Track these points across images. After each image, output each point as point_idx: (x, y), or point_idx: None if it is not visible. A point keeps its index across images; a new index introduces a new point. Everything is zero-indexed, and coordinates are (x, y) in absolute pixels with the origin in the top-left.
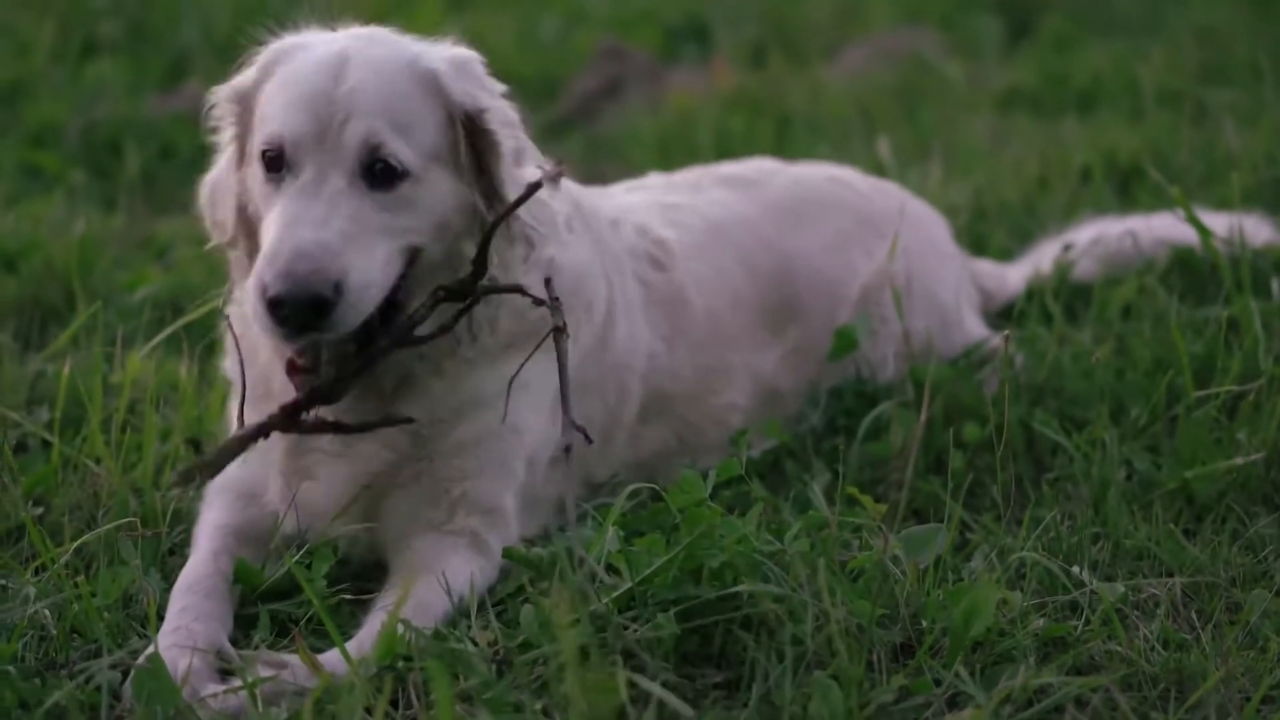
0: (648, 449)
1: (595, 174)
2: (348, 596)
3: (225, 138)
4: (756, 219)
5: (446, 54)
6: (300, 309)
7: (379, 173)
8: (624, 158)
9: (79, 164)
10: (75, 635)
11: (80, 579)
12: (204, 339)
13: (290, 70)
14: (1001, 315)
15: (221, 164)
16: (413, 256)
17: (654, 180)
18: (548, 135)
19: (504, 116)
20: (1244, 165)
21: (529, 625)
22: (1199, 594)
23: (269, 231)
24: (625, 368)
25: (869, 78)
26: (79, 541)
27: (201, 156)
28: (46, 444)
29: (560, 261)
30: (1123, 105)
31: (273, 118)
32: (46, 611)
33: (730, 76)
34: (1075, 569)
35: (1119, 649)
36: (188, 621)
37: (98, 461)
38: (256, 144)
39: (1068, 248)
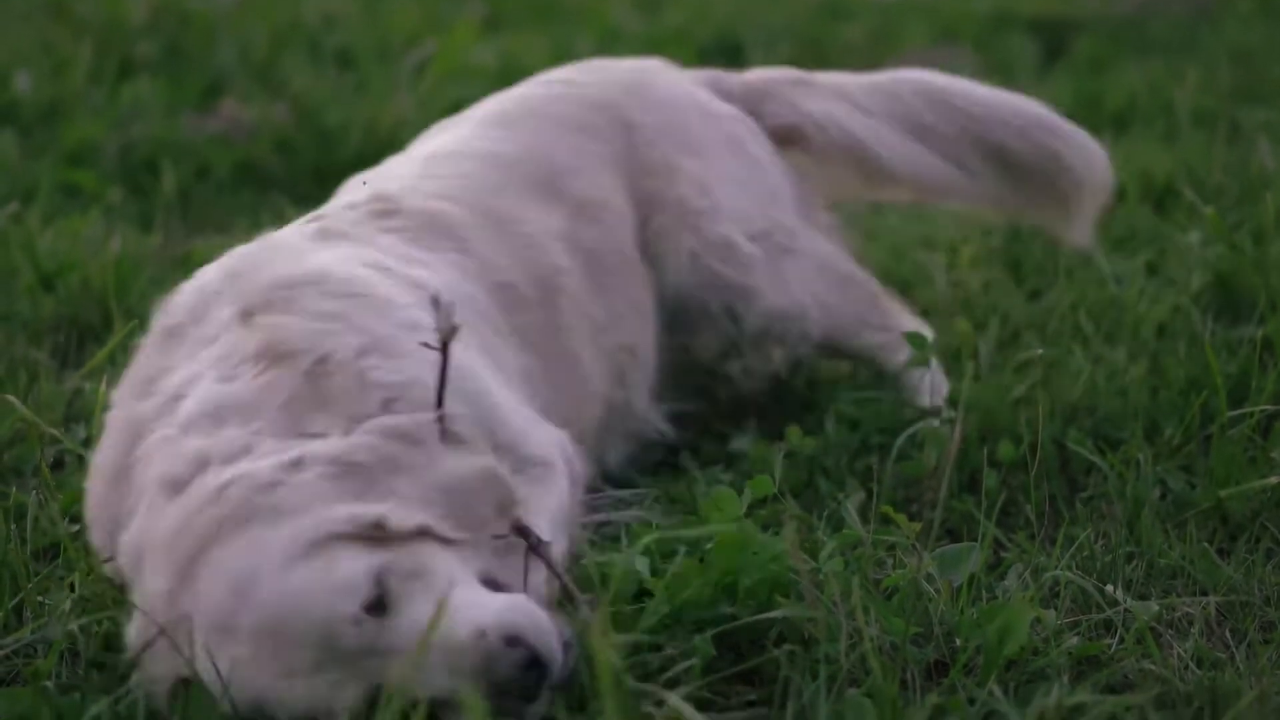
0: None
1: None
2: None
3: None
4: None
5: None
6: None
7: None
8: None
9: (116, 183)
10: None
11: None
12: None
13: None
14: (1035, 329)
15: None
16: None
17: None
18: None
19: None
20: (1278, 185)
21: None
22: (1233, 613)
23: None
24: None
25: None
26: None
27: (237, 175)
28: (83, 461)
29: None
30: (1157, 126)
31: None
32: (77, 628)
33: None
34: (1109, 588)
35: (1153, 668)
36: None
37: None
38: None
39: None
